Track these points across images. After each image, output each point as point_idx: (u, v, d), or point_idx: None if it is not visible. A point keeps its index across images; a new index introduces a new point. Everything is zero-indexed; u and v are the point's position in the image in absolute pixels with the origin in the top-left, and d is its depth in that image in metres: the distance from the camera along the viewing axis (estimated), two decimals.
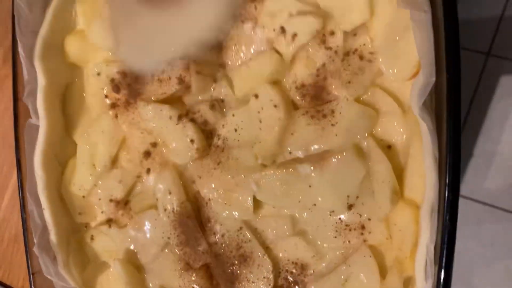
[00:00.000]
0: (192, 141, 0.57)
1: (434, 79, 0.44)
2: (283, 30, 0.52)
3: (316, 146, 0.53)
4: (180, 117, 0.57)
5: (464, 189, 1.51)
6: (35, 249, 0.60)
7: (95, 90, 0.63)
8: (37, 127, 0.61)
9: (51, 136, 0.61)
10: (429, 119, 0.45)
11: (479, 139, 1.55)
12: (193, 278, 0.59)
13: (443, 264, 0.44)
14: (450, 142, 0.43)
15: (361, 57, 0.51)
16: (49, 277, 0.60)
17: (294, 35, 0.52)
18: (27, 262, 0.61)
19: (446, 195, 0.43)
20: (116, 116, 0.61)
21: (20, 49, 0.58)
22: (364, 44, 0.51)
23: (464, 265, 1.51)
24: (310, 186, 0.53)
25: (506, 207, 1.51)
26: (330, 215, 0.54)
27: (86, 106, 0.64)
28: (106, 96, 0.62)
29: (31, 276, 0.61)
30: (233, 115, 0.56)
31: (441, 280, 0.44)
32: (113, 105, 0.62)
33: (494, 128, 1.56)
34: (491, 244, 1.49)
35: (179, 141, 0.57)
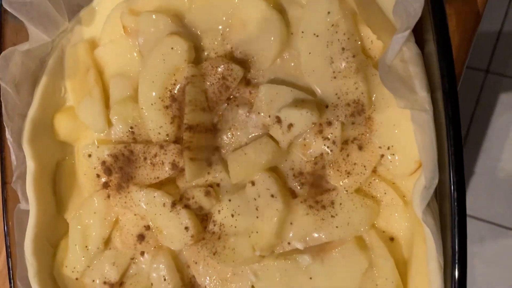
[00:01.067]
0: (186, 228, 0.55)
1: (437, 181, 0.43)
2: (278, 119, 0.50)
3: (316, 237, 0.51)
4: (173, 204, 0.55)
5: (467, 207, 1.50)
6: None
7: (86, 169, 0.61)
8: (27, 212, 0.59)
9: (42, 219, 0.59)
10: (432, 223, 0.43)
11: (480, 156, 1.54)
12: None
13: None
14: (456, 252, 0.41)
15: (360, 147, 0.49)
16: None
17: (290, 125, 0.50)
18: None
19: None
20: (109, 197, 0.59)
21: (8, 134, 0.57)
22: (363, 134, 0.49)
23: (468, 282, 1.49)
24: (310, 278, 0.51)
25: (508, 225, 1.49)
26: None
27: (77, 185, 0.62)
28: (97, 176, 0.60)
29: None
30: (230, 200, 0.54)
31: None
32: (105, 185, 0.60)
33: (495, 145, 1.55)
34: (494, 262, 1.47)
35: (173, 228, 0.55)
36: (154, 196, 0.55)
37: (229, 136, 0.55)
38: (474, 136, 1.53)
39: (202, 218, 0.56)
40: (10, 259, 0.59)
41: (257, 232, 0.52)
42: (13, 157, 0.57)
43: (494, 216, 1.50)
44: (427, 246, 0.44)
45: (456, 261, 0.41)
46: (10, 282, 0.59)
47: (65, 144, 0.62)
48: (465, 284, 0.41)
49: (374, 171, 0.50)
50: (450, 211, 0.42)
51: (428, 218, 0.43)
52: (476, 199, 1.51)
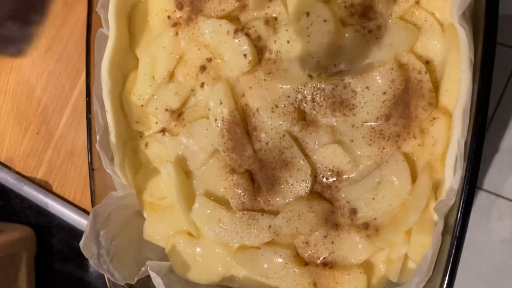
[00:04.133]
0: (245, 55, 0.62)
1: None
2: None
3: (360, 58, 0.58)
4: (236, 31, 0.63)
5: (488, 183, 1.53)
6: (97, 146, 0.67)
7: (158, 11, 0.69)
8: (106, 37, 0.67)
9: (118, 46, 0.68)
10: (467, 27, 0.50)
11: (506, 134, 1.57)
12: (237, 182, 0.65)
13: (470, 156, 0.49)
14: (485, 45, 0.48)
15: None
16: (107, 170, 0.67)
17: None
18: (88, 159, 0.68)
19: (479, 92, 0.48)
20: (177, 34, 0.67)
21: None
22: None
23: (483, 260, 1.53)
24: (353, 97, 0.59)
25: None
26: (368, 124, 0.59)
27: (149, 26, 0.71)
28: (168, 17, 0.68)
29: (91, 171, 0.68)
30: (287, 30, 0.61)
31: (468, 172, 0.49)
32: (174, 24, 0.68)
33: None
34: (511, 240, 1.50)
35: (233, 54, 0.63)
36: (220, 24, 0.63)
37: None
38: (502, 114, 1.56)
39: (259, 51, 0.64)
40: (88, 76, 0.68)
41: (308, 54, 0.60)
42: None
43: None
44: (460, 48, 0.50)
45: (486, 54, 0.48)
46: (87, 96, 0.68)
47: None
48: (491, 73, 0.48)
49: (417, 2, 0.57)
50: (484, 15, 0.49)
51: (463, 23, 0.50)
52: (498, 176, 1.54)
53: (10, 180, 0.89)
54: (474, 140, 0.48)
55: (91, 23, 0.67)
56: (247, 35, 0.63)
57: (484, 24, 0.48)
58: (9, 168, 0.90)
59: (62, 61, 0.85)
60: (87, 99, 0.68)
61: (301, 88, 0.61)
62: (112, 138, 0.68)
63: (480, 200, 1.64)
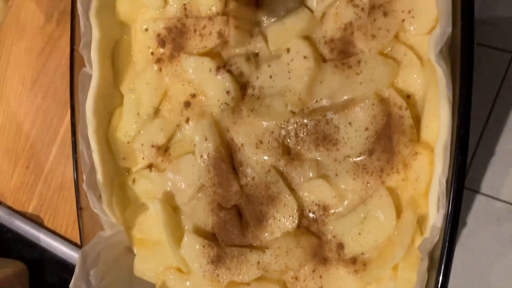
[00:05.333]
0: (228, 92, 0.63)
1: (450, 29, 0.49)
2: None
3: (341, 94, 0.58)
4: (218, 68, 0.63)
5: (485, 187, 1.53)
6: (84, 186, 0.67)
7: (141, 47, 0.70)
8: (89, 76, 0.67)
9: (102, 85, 0.68)
10: (444, 64, 0.50)
11: (502, 137, 1.57)
12: (224, 217, 0.65)
13: (452, 195, 0.49)
14: (463, 83, 0.48)
15: (385, 14, 0.56)
16: (95, 210, 0.67)
17: None
18: (76, 198, 0.68)
19: (458, 132, 0.48)
20: (160, 70, 0.68)
21: (79, 5, 0.66)
22: (388, 2, 0.56)
23: (482, 263, 1.53)
24: (335, 132, 0.59)
25: None
26: (351, 159, 0.59)
27: (132, 61, 0.71)
28: (152, 53, 0.68)
29: (78, 210, 0.68)
30: (269, 65, 0.61)
31: (450, 210, 0.49)
32: (158, 60, 0.68)
33: None
34: (510, 243, 1.50)
35: (216, 91, 0.63)
36: (202, 62, 0.64)
37: (270, 10, 0.62)
38: (496, 117, 1.57)
39: (241, 86, 0.64)
40: (73, 116, 0.68)
41: (290, 91, 0.60)
42: (81, 25, 0.66)
43: None
44: (438, 86, 0.50)
45: (463, 92, 0.48)
46: (72, 136, 0.68)
47: (124, 25, 0.71)
48: (469, 112, 0.48)
49: (396, 37, 0.57)
50: (460, 53, 0.49)
51: (440, 61, 0.50)
52: (495, 180, 1.55)
53: (1, 215, 0.89)
54: (455, 179, 0.48)
55: (74, 63, 0.67)
56: (230, 71, 0.63)
57: (460, 65, 0.48)
58: (0, 203, 0.90)
59: (49, 96, 0.85)
60: (73, 138, 0.68)
61: (284, 124, 0.61)
62: (99, 176, 0.68)
63: (478, 204, 1.64)
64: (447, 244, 0.49)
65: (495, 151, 1.67)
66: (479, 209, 1.62)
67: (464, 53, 0.47)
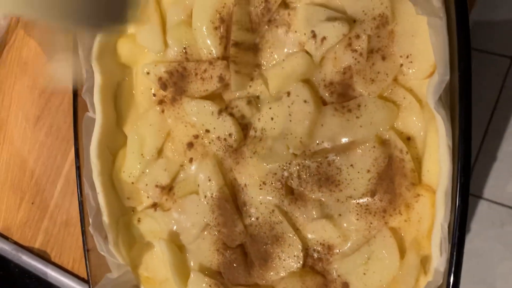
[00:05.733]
0: (230, 134, 0.64)
1: (448, 77, 0.50)
2: (313, 34, 0.59)
3: (342, 137, 0.59)
4: (220, 112, 0.64)
5: (488, 192, 1.54)
6: (90, 229, 0.68)
7: (143, 88, 0.71)
8: (92, 120, 0.68)
9: (105, 128, 0.69)
10: (443, 112, 0.51)
11: (503, 142, 1.58)
12: (230, 256, 0.65)
13: (456, 241, 0.49)
14: (462, 132, 0.49)
15: (384, 58, 0.57)
16: (102, 253, 0.68)
17: (323, 39, 0.58)
18: (83, 240, 0.69)
19: (458, 179, 0.49)
20: (163, 111, 0.68)
21: (80, 51, 0.66)
22: (386, 46, 0.57)
23: (487, 268, 1.54)
24: (338, 173, 0.59)
25: None
26: (354, 200, 0.60)
27: (135, 103, 0.72)
28: (154, 95, 0.69)
29: (86, 252, 0.69)
30: (270, 108, 0.62)
31: (454, 256, 0.50)
32: (160, 101, 0.69)
33: None
34: None
35: (219, 133, 0.64)
36: (204, 106, 0.64)
37: (269, 54, 0.63)
38: (497, 122, 1.58)
39: (243, 127, 0.65)
40: (78, 159, 0.69)
41: (291, 133, 0.61)
42: (83, 71, 0.67)
43: None
44: (438, 133, 0.51)
45: (462, 145, 0.49)
46: (77, 179, 0.68)
47: (125, 67, 0.72)
48: (469, 159, 0.49)
49: (395, 79, 0.58)
50: (458, 103, 0.50)
51: (439, 109, 0.51)
52: (497, 185, 1.55)
53: (8, 250, 0.90)
54: (457, 227, 0.49)
55: (77, 109, 0.68)
56: (231, 114, 0.64)
57: (459, 115, 0.48)
58: (6, 238, 0.91)
59: (52, 132, 0.86)
60: (78, 182, 0.68)
61: (287, 166, 0.62)
62: (105, 218, 0.69)
63: (481, 209, 1.65)
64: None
65: (496, 157, 1.68)
66: (482, 214, 1.63)
67: (463, 104, 0.48)
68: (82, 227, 0.69)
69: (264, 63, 0.64)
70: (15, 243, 0.90)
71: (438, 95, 0.51)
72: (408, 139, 0.58)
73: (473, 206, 1.57)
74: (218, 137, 0.64)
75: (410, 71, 0.56)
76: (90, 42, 0.68)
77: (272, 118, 0.62)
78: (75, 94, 0.68)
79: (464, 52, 0.49)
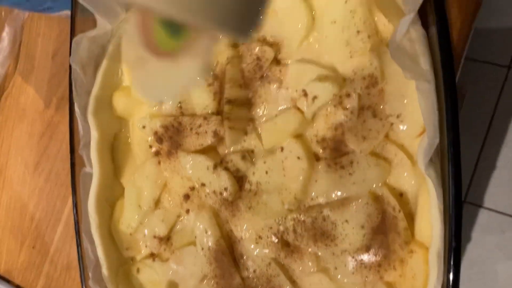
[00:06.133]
0: (226, 188, 0.64)
1: (437, 140, 0.51)
2: (304, 93, 0.60)
3: (336, 193, 0.60)
4: (215, 167, 0.65)
5: (488, 201, 1.55)
6: (90, 283, 0.68)
7: (139, 140, 0.71)
8: (90, 175, 0.69)
9: (103, 182, 0.70)
10: (434, 174, 0.51)
11: (503, 150, 1.59)
12: None
13: None
14: (453, 197, 0.49)
15: (374, 115, 0.58)
16: None
17: (315, 97, 0.59)
18: None
19: (450, 244, 0.50)
20: (159, 163, 0.69)
21: (76, 108, 0.67)
22: (376, 104, 0.58)
23: (489, 276, 1.54)
24: (333, 228, 0.60)
25: None
26: (350, 254, 0.60)
27: (132, 154, 0.73)
28: (150, 146, 0.70)
29: None
30: (264, 162, 0.63)
31: None
32: (157, 153, 0.70)
33: None
34: None
35: (214, 187, 0.65)
36: (200, 161, 0.65)
37: (262, 109, 0.64)
38: (496, 131, 1.58)
39: (238, 179, 0.66)
40: (76, 214, 0.69)
41: (286, 189, 0.62)
42: (80, 128, 0.68)
43: None
44: (430, 195, 0.52)
45: (453, 209, 0.50)
46: (76, 234, 0.69)
47: (121, 119, 0.72)
48: (460, 224, 0.49)
49: (386, 136, 0.58)
50: (448, 166, 0.51)
51: (430, 171, 0.51)
52: (498, 193, 1.56)
53: None
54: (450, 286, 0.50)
55: (74, 164, 0.69)
56: (226, 168, 0.65)
57: (448, 183, 0.49)
58: (8, 281, 0.92)
59: (51, 178, 0.87)
60: (77, 236, 0.69)
61: (282, 221, 0.63)
62: (105, 271, 0.70)
63: (482, 218, 1.65)
64: None
65: (496, 165, 1.68)
66: (483, 223, 1.63)
67: (452, 172, 0.49)
68: (82, 283, 0.70)
69: (258, 117, 0.65)
70: (17, 286, 0.91)
71: (428, 158, 0.51)
72: (400, 195, 0.58)
73: (473, 214, 1.58)
74: (214, 191, 0.65)
75: (401, 129, 0.57)
76: (85, 98, 0.69)
77: (266, 172, 0.63)
78: (72, 151, 0.69)
79: (453, 117, 0.50)
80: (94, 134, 0.69)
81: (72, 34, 0.68)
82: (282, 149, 0.62)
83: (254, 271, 0.65)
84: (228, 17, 0.36)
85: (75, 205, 0.69)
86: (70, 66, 0.66)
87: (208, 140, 0.65)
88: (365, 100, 0.59)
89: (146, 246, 0.72)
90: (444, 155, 0.52)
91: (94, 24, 0.68)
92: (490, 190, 1.59)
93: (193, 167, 0.66)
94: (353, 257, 0.60)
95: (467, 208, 1.56)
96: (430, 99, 0.51)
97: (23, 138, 0.89)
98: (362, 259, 0.60)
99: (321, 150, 0.61)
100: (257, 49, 0.62)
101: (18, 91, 0.89)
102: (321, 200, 0.61)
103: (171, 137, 0.67)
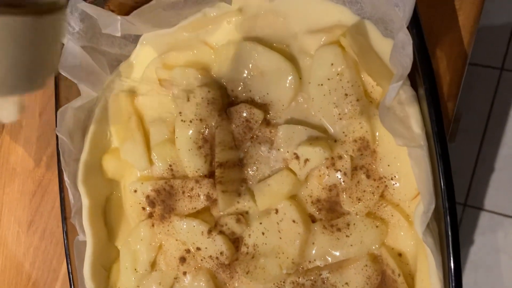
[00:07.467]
0: (221, 252, 0.63)
1: (433, 206, 0.50)
2: (296, 155, 0.58)
3: (334, 255, 0.59)
4: (210, 231, 0.63)
5: (488, 203, 1.54)
6: None
7: (132, 202, 0.70)
8: (83, 243, 0.68)
9: (97, 248, 0.68)
10: (432, 242, 0.50)
11: (500, 152, 1.58)
12: None
13: None
14: (453, 271, 0.48)
15: (368, 176, 0.57)
16: None
17: (306, 160, 0.58)
18: None
19: None
20: (153, 225, 0.68)
21: (66, 177, 0.66)
22: (370, 164, 0.57)
23: (494, 278, 1.53)
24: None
25: None
26: None
27: (125, 216, 0.71)
28: (143, 208, 0.69)
29: None
30: (260, 223, 0.62)
31: None
32: (150, 215, 0.69)
33: None
34: None
35: (210, 253, 0.64)
36: (194, 225, 0.64)
37: (254, 169, 0.63)
38: (492, 133, 1.57)
39: (234, 240, 0.65)
40: (72, 284, 0.68)
41: (283, 253, 0.61)
42: (70, 196, 0.67)
43: None
44: (428, 262, 0.51)
45: (453, 276, 0.48)
46: None
47: (113, 181, 0.71)
48: None
49: (382, 196, 0.57)
50: (445, 233, 0.50)
51: (428, 238, 0.50)
52: (497, 195, 1.55)
53: None
54: None
55: (67, 232, 0.68)
56: (221, 232, 0.64)
57: (447, 255, 0.48)
58: None
59: (46, 236, 0.86)
60: None
61: (281, 284, 0.61)
62: None
63: (483, 221, 1.65)
64: None
65: (494, 167, 1.67)
66: (485, 226, 1.62)
67: (451, 248, 0.48)
68: None
69: (251, 177, 0.64)
70: None
71: (425, 225, 0.50)
72: (399, 255, 0.58)
73: (475, 218, 1.57)
74: (210, 256, 0.64)
75: (396, 191, 0.56)
76: (74, 166, 0.67)
77: (263, 233, 0.62)
78: (64, 219, 0.68)
79: (448, 182, 0.49)
80: (85, 202, 0.67)
81: (57, 100, 0.67)
82: (276, 211, 0.61)
83: None
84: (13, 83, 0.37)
85: (70, 273, 0.68)
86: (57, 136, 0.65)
87: (201, 203, 0.64)
88: (357, 160, 0.58)
89: None
90: (441, 215, 0.51)
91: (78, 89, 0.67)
92: (490, 192, 1.58)
93: (187, 232, 0.65)
94: None
95: (468, 211, 1.55)
96: (423, 166, 0.50)
97: (15, 197, 0.88)
98: None
99: (316, 211, 0.60)
100: (245, 111, 0.61)
101: (8, 151, 0.88)
102: (319, 263, 0.60)
103: (164, 201, 0.66)
